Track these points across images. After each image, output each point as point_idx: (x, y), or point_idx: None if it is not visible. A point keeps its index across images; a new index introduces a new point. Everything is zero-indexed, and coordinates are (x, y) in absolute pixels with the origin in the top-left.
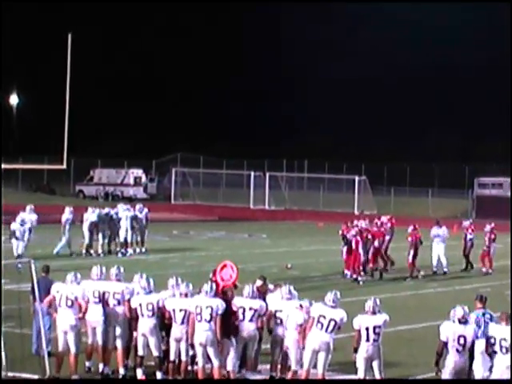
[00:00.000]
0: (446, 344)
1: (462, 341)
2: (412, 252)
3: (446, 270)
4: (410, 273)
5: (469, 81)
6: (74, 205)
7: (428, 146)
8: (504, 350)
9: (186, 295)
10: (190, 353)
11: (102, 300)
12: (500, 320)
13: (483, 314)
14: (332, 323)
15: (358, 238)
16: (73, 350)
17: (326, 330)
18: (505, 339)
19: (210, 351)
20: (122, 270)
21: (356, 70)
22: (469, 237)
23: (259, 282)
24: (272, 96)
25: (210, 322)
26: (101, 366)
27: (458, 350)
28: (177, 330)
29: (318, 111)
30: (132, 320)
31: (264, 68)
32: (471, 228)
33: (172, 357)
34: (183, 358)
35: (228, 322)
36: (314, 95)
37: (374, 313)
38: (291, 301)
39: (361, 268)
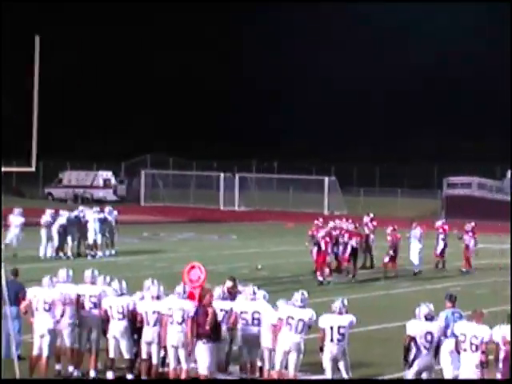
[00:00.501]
0: (414, 339)
1: (429, 337)
2: (391, 252)
3: (416, 269)
4: (384, 273)
5: (438, 82)
6: (42, 207)
7: (397, 146)
8: (474, 347)
9: (158, 297)
10: (161, 354)
11: (71, 303)
12: (472, 318)
13: (452, 313)
14: (301, 323)
15: (327, 238)
16: (45, 353)
17: (296, 331)
18: (475, 337)
19: (181, 354)
20: (96, 272)
21: (330, 70)
22: (441, 236)
23: (229, 283)
24: (242, 97)
25: (181, 324)
26: (70, 369)
27: (425, 347)
28: (148, 333)
29: (289, 112)
30: (103, 323)
31: (238, 68)
32: (443, 228)
33: (143, 356)
34: (154, 360)
35: (217, 326)
36: (285, 97)
37: (340, 313)
38: (255, 301)
39: (327, 269)
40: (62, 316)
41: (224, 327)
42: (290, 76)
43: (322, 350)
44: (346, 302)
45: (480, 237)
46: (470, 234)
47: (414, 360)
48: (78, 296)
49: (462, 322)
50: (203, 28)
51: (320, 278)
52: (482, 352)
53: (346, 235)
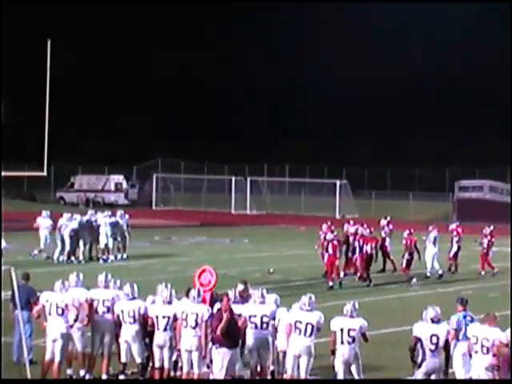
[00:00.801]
0: (420, 341)
1: (434, 340)
2: (407, 256)
3: (428, 273)
4: (409, 277)
5: (448, 86)
6: (54, 211)
7: (409, 149)
8: (485, 350)
9: (170, 302)
10: (173, 358)
11: (90, 307)
12: (484, 321)
13: (464, 317)
14: (309, 327)
15: (335, 242)
16: (58, 358)
17: (305, 335)
18: (487, 339)
19: (194, 358)
20: (109, 276)
21: (339, 76)
22: (455, 239)
23: (240, 287)
24: (252, 101)
25: (195, 328)
26: (82, 373)
27: (431, 350)
28: (159, 337)
29: (300, 116)
30: (116, 327)
31: (247, 72)
32: (457, 231)
33: (157, 364)
34: (166, 364)
35: (232, 331)
36: (296, 100)
37: (351, 316)
38: (264, 305)
39: (342, 273)
40: (75, 320)
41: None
42: (300, 78)
43: (333, 353)
44: (357, 306)
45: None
46: (489, 237)
47: (421, 362)
48: (92, 300)
49: (475, 325)
50: (203, 28)
51: (330, 283)
52: (494, 355)
53: (361, 240)
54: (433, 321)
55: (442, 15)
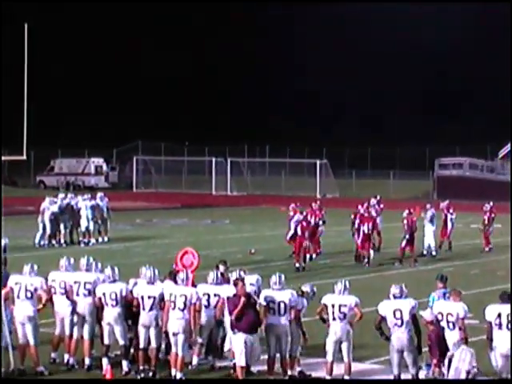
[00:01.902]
0: (384, 319)
1: (398, 314)
2: (407, 236)
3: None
4: (400, 258)
5: (428, 65)
6: (34, 196)
7: (388, 128)
8: (451, 325)
9: (153, 282)
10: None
11: (70, 291)
12: (450, 296)
13: (444, 294)
14: (282, 305)
15: (304, 223)
16: (32, 341)
17: (279, 314)
18: (451, 314)
19: (180, 340)
20: (91, 259)
21: (320, 56)
22: (449, 217)
23: (222, 268)
24: (233, 82)
25: (183, 310)
26: (66, 357)
27: (396, 325)
28: (145, 317)
29: (278, 96)
30: (97, 310)
31: (231, 53)
32: (450, 209)
33: (141, 344)
34: (153, 344)
35: (249, 316)
36: (275, 80)
37: (342, 294)
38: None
39: (304, 254)
40: (44, 305)
41: (214, 312)
42: (279, 61)
43: (323, 320)
44: (347, 285)
45: (472, 216)
46: (488, 214)
47: (392, 341)
48: (74, 283)
49: (440, 302)
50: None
51: (297, 265)
52: (459, 328)
53: (357, 220)
54: (395, 297)
55: (442, 15)
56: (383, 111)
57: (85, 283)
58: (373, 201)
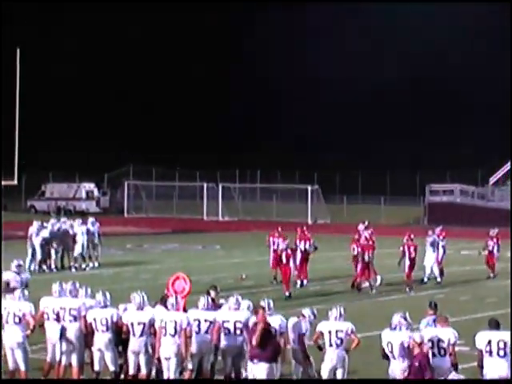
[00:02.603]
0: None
1: (389, 347)
2: (408, 262)
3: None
4: (411, 284)
5: (418, 91)
6: (25, 220)
7: (379, 154)
8: (442, 351)
9: (142, 308)
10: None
11: (59, 317)
12: (437, 322)
13: (434, 321)
14: (272, 330)
15: (289, 251)
16: (22, 367)
17: None
18: (442, 341)
19: (172, 364)
20: (77, 285)
21: (309, 81)
22: (441, 244)
23: (213, 293)
24: (223, 107)
25: (174, 336)
26: None
27: (394, 357)
28: (135, 343)
29: (270, 121)
30: (87, 335)
31: (220, 78)
32: (442, 235)
33: (131, 371)
34: (143, 371)
35: (269, 344)
36: (266, 105)
37: (338, 320)
38: (238, 311)
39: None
40: (32, 331)
41: (209, 338)
42: (271, 87)
43: (319, 348)
44: (342, 311)
45: (462, 243)
46: (495, 240)
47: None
48: (60, 309)
49: (428, 329)
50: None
51: (287, 293)
52: (450, 354)
53: (360, 249)
54: (391, 328)
55: (442, 15)
56: (375, 136)
57: (70, 309)
58: (361, 226)
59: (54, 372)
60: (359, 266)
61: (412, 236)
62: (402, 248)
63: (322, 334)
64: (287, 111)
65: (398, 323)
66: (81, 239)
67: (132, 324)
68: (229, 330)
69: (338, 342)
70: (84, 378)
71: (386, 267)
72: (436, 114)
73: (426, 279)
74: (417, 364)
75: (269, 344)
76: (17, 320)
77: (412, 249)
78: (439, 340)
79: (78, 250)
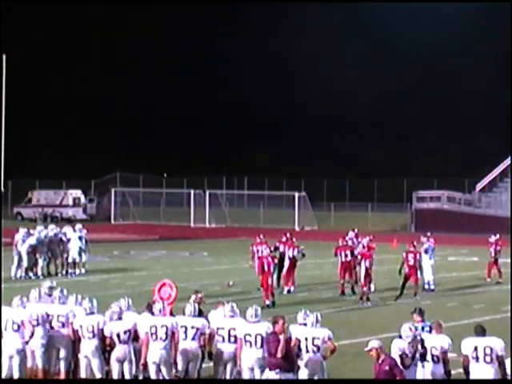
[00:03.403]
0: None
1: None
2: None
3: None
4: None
5: (402, 98)
6: (12, 227)
7: (366, 161)
8: (436, 358)
9: (120, 318)
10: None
11: (42, 323)
12: (434, 329)
13: (423, 328)
14: (259, 338)
15: (270, 259)
16: (16, 374)
17: (256, 346)
18: (435, 348)
19: (163, 371)
20: (65, 292)
21: (296, 89)
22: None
23: (193, 297)
24: (209, 115)
25: (165, 340)
26: None
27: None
28: (120, 350)
29: (258, 128)
30: (74, 342)
31: (209, 85)
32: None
33: (114, 377)
34: (127, 377)
35: (289, 355)
36: (253, 113)
37: (315, 327)
38: (234, 318)
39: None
40: (31, 337)
41: (196, 344)
42: (260, 89)
43: (297, 355)
44: (319, 317)
45: (449, 250)
46: (494, 246)
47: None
48: (47, 316)
49: (422, 335)
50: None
51: (267, 302)
52: (443, 361)
53: (359, 256)
54: (400, 336)
55: (442, 15)
56: (362, 144)
57: (58, 316)
58: (351, 234)
59: (39, 378)
60: (362, 274)
61: (415, 243)
62: (407, 255)
63: (298, 340)
64: (275, 120)
65: (404, 333)
66: (74, 244)
67: (118, 334)
68: (223, 338)
69: (315, 348)
70: (84, 378)
71: (375, 274)
72: (423, 122)
73: (426, 286)
74: (387, 368)
75: (289, 355)
76: (15, 327)
77: (411, 256)
78: (432, 347)
79: (72, 255)
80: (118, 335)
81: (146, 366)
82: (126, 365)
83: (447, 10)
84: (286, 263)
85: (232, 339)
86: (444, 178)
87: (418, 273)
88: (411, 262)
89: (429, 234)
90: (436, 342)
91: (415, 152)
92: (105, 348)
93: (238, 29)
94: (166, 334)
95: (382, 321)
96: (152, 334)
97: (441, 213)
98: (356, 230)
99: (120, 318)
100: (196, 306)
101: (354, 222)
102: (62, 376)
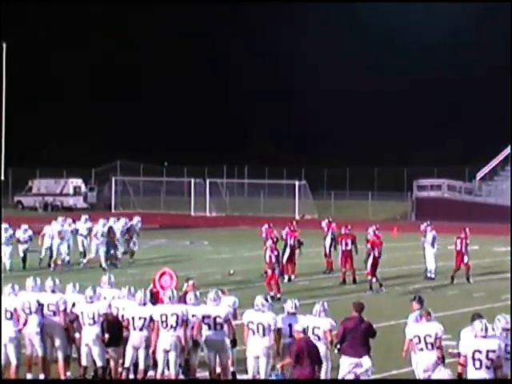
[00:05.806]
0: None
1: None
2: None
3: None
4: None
5: (404, 87)
6: (12, 216)
7: (366, 149)
8: (430, 346)
9: (145, 304)
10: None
11: (37, 311)
12: (423, 317)
13: (420, 315)
14: (261, 327)
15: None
16: (13, 362)
17: (260, 335)
18: (429, 335)
19: (172, 358)
20: (57, 281)
21: (297, 77)
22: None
23: (185, 285)
24: (211, 103)
25: (175, 328)
26: (41, 377)
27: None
28: (136, 337)
29: (258, 117)
30: (69, 330)
31: (201, 73)
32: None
33: (127, 363)
34: (141, 366)
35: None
36: (253, 101)
37: (319, 316)
38: (218, 306)
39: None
40: (24, 324)
41: (189, 333)
42: (260, 78)
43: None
44: (326, 306)
45: (449, 238)
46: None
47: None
48: (40, 304)
49: (412, 325)
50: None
51: (271, 294)
52: (438, 348)
53: (369, 245)
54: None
55: (442, 15)
56: (363, 132)
57: (48, 304)
58: (324, 222)
59: (38, 367)
60: (369, 264)
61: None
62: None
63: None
64: (274, 108)
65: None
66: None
67: (133, 318)
68: (209, 326)
69: (316, 338)
70: (84, 378)
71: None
72: (424, 111)
73: (429, 274)
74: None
75: (313, 357)
76: (8, 315)
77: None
78: (426, 335)
79: (81, 245)
80: (133, 319)
81: (154, 352)
82: (140, 351)
83: (447, 10)
84: (287, 252)
85: (218, 327)
86: (444, 167)
87: (465, 258)
88: (458, 248)
89: (429, 222)
90: (429, 329)
91: (416, 140)
92: (113, 333)
93: (238, 29)
94: (177, 322)
95: (382, 308)
96: (162, 322)
97: (441, 201)
98: (330, 218)
99: (144, 305)
100: (197, 294)
101: (355, 211)
102: (61, 363)
